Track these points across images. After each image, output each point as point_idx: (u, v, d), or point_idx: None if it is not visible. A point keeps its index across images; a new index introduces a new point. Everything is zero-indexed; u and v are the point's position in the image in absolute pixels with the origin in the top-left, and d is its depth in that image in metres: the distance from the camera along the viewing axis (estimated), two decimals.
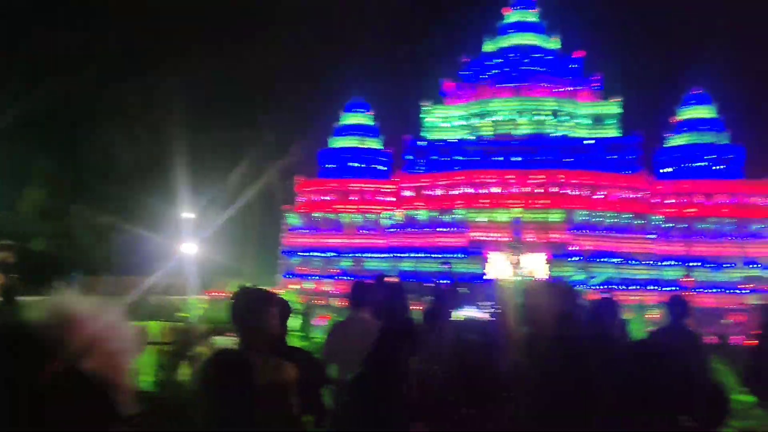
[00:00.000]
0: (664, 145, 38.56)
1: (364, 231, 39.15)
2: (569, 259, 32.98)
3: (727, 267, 33.95)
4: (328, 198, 41.02)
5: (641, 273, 33.52)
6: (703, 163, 36.65)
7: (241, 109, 58.83)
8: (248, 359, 2.63)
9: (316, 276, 36.49)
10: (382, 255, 37.58)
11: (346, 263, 37.22)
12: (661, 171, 37.87)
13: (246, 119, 57.76)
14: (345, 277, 34.86)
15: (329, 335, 5.33)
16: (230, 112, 56.27)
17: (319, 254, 39.12)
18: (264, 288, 3.45)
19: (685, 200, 36.05)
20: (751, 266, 33.92)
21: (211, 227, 39.66)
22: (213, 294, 30.18)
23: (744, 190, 35.53)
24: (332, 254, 38.60)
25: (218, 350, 3.18)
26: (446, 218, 36.12)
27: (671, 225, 35.14)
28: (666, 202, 36.18)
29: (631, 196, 35.51)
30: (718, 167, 36.29)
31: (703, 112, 37.86)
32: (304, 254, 39.58)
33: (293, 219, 41.27)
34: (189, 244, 38.31)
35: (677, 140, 38.07)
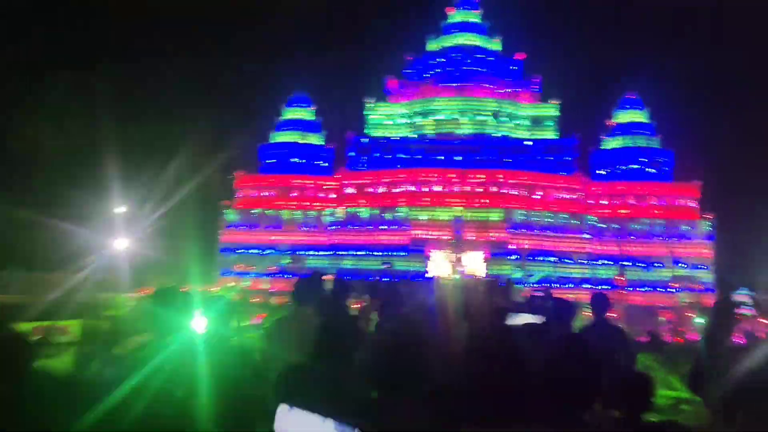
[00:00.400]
0: (599, 148, 39.65)
1: (305, 228, 38.61)
2: (508, 258, 33.46)
3: (656, 266, 35.24)
4: (268, 194, 40.24)
5: (576, 271, 34.38)
6: (635, 166, 37.90)
7: (179, 102, 57.16)
8: None
9: (253, 274, 35.69)
10: (323, 252, 37.16)
11: (285, 261, 36.59)
12: (597, 172, 38.94)
13: (185, 112, 56.19)
14: (283, 275, 34.31)
15: (270, 331, 5.00)
16: (168, 104, 54.59)
17: (257, 251, 38.31)
18: (181, 287, 3.36)
19: (618, 201, 37.21)
20: (678, 266, 35.31)
21: (146, 222, 38.21)
22: (144, 292, 29.01)
23: (673, 192, 36.96)
24: (271, 251, 37.88)
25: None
26: (388, 216, 36.02)
27: (605, 225, 36.19)
28: (600, 203, 37.21)
29: (567, 196, 36.36)
30: (649, 170, 37.60)
31: (637, 116, 39.17)
32: (243, 251, 38.68)
33: (232, 215, 40.28)
34: (121, 240, 36.70)
35: (612, 143, 39.24)
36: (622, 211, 36.79)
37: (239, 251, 38.89)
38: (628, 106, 39.56)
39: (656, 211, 36.45)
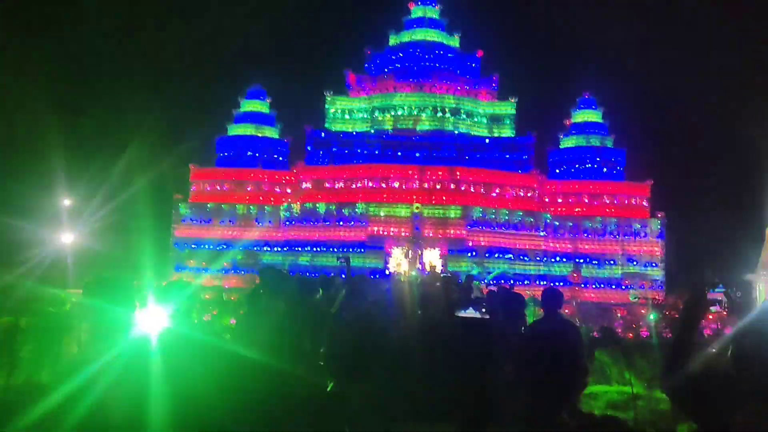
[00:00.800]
0: (556, 147, 40.15)
1: (260, 223, 37.92)
2: (466, 254, 33.55)
3: (609, 264, 35.88)
4: (223, 188, 39.37)
5: (532, 268, 34.74)
6: (590, 165, 38.50)
7: (132, 92, 55.43)
8: None
9: (207, 269, 34.84)
10: (279, 248, 36.58)
11: (239, 256, 35.85)
12: (554, 171, 39.43)
13: (138, 102, 54.53)
14: (237, 271, 33.65)
15: (240, 324, 5.49)
16: (120, 94, 52.84)
17: (211, 247, 37.43)
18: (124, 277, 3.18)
19: (572, 200, 37.73)
20: (630, 263, 36.04)
21: (94, 216, 37.04)
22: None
23: (626, 191, 37.70)
24: (225, 247, 37.06)
25: None
26: (346, 211, 35.65)
27: (560, 223, 36.66)
28: (556, 201, 37.69)
29: (523, 194, 36.68)
30: (603, 169, 38.25)
31: (592, 116, 39.80)
32: (196, 246, 37.75)
33: (185, 209, 39.25)
34: (67, 234, 35.41)
35: (568, 142, 39.80)
36: (577, 209, 37.31)
37: (193, 246, 37.94)
38: (583, 106, 40.17)
39: (609, 210, 37.08)
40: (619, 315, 22.05)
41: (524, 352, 4.70)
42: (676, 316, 23.74)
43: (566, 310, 20.87)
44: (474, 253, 33.73)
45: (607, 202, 37.36)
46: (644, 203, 37.54)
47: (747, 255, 38.69)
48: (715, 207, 40.93)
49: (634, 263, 36.07)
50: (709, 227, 40.44)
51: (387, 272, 30.63)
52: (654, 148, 45.22)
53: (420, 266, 30.85)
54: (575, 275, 30.56)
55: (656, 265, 36.01)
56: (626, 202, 37.45)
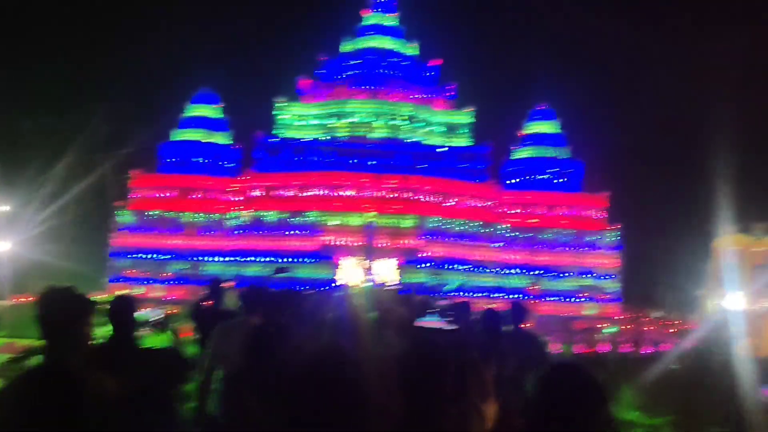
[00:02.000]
0: (511, 157, 39.71)
1: (207, 232, 36.12)
2: (421, 266, 32.51)
3: (564, 276, 35.43)
4: (167, 195, 37.44)
5: (489, 280, 33.94)
6: (545, 176, 38.14)
7: (71, 94, 52.75)
8: (74, 376, 2.08)
9: (147, 280, 32.79)
10: (226, 258, 34.82)
11: (181, 267, 33.91)
12: (507, 182, 38.93)
13: (77, 105, 51.93)
14: (180, 282, 31.76)
15: (215, 339, 5.19)
16: (59, 95, 50.14)
17: (151, 256, 35.41)
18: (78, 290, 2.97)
19: (528, 211, 37.26)
20: (586, 276, 35.68)
21: (30, 223, 34.82)
22: (19, 299, 25.78)
23: (582, 203, 37.45)
24: (167, 257, 35.06)
25: (31, 369, 2.28)
26: (297, 221, 34.22)
27: (516, 234, 36.07)
28: (511, 212, 37.13)
29: (479, 204, 35.98)
30: (559, 180, 37.95)
31: (547, 127, 39.57)
32: (136, 256, 35.64)
33: (126, 217, 37.12)
34: (2, 241, 33.45)
35: (523, 153, 39.43)
36: (532, 220, 36.83)
37: (133, 256, 35.83)
38: (539, 117, 39.92)
39: (565, 221, 36.72)
40: (578, 329, 21.38)
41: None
42: (637, 329, 23.31)
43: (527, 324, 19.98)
44: (429, 264, 32.71)
45: (564, 213, 37.01)
46: (601, 215, 37.33)
47: (699, 269, 38.92)
48: (670, 220, 41.25)
49: (590, 275, 35.73)
50: (665, 241, 40.63)
51: (336, 283, 29.28)
52: (611, 160, 45.39)
53: (372, 277, 29.60)
54: (535, 287, 29.83)
55: (612, 277, 35.74)
56: (583, 213, 37.18)
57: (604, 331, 21.75)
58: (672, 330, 23.83)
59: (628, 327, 22.83)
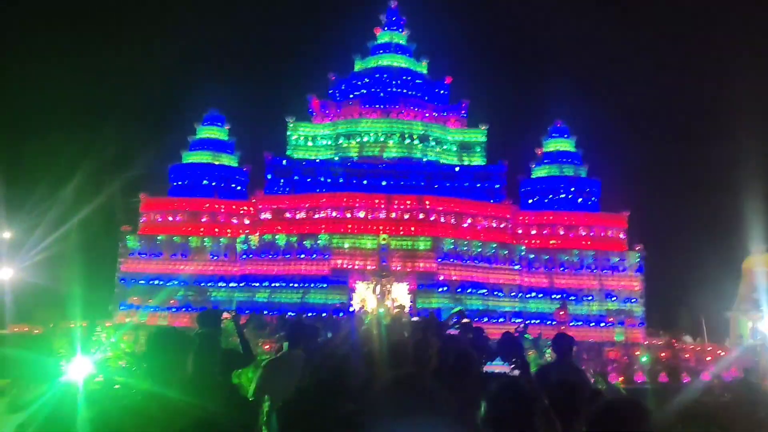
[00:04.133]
0: (528, 176, 38.62)
1: (215, 257, 35.16)
2: (437, 290, 31.24)
3: (587, 299, 34.01)
4: (175, 219, 36.62)
5: (507, 305, 32.59)
6: (564, 195, 36.96)
7: (79, 116, 52.45)
8: None
9: (152, 307, 31.78)
10: (234, 284, 33.79)
11: (186, 293, 32.90)
12: (525, 201, 37.79)
13: (85, 127, 51.59)
14: (186, 309, 30.73)
15: (265, 371, 5.68)
16: (66, 118, 49.79)
17: (161, 282, 34.47)
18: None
19: (546, 231, 36.02)
20: (608, 299, 34.24)
21: (35, 249, 34.21)
22: (19, 328, 24.86)
23: (601, 222, 36.17)
24: (176, 282, 34.09)
25: None
26: (308, 244, 33.15)
27: (534, 256, 34.78)
28: (530, 233, 35.90)
29: (496, 225, 34.76)
30: (578, 200, 36.73)
31: (564, 145, 38.49)
32: (144, 282, 34.74)
33: (133, 242, 36.30)
34: (5, 268, 32.98)
35: (540, 171, 38.33)
36: (552, 241, 35.53)
37: (141, 282, 34.96)
38: (556, 134, 38.87)
39: (586, 242, 35.40)
40: (610, 356, 20.04)
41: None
42: (670, 357, 21.90)
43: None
44: (445, 288, 31.43)
45: (583, 234, 35.70)
46: (621, 235, 35.98)
47: (725, 290, 37.37)
48: (694, 240, 39.77)
49: (613, 299, 34.25)
50: (688, 262, 39.12)
51: (351, 309, 28.14)
52: (629, 178, 44.11)
53: (388, 302, 28.38)
54: (562, 313, 28.39)
55: (636, 301, 34.23)
56: (602, 234, 35.85)
57: (640, 359, 20.36)
58: (709, 357, 22.36)
59: (663, 355, 21.39)
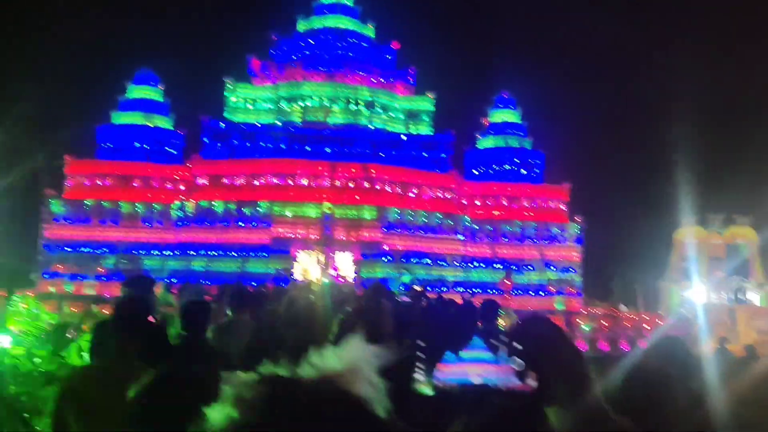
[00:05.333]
0: (474, 146, 38.40)
1: (148, 223, 33.52)
2: (381, 259, 30.77)
3: (527, 269, 34.37)
4: (104, 183, 34.65)
5: (450, 274, 32.51)
6: (508, 167, 37.00)
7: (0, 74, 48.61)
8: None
9: (79, 276, 30.01)
10: (169, 252, 32.31)
11: (114, 261, 31.26)
12: (471, 172, 37.62)
13: (7, 85, 47.85)
14: (116, 278, 29.11)
15: (213, 338, 5.35)
16: None
17: (89, 249, 32.61)
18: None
19: (490, 202, 36.08)
20: (548, 269, 34.73)
21: None
22: None
23: (544, 194, 36.49)
24: (106, 250, 32.31)
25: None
26: (247, 211, 31.98)
27: (478, 227, 34.79)
28: (474, 203, 35.86)
29: (442, 195, 34.49)
30: (522, 171, 36.85)
31: (510, 116, 38.41)
32: (72, 249, 32.78)
33: (58, 207, 34.17)
34: None
35: (486, 142, 38.17)
36: (495, 212, 35.59)
37: (67, 249, 32.96)
38: (501, 105, 38.72)
39: (528, 213, 35.64)
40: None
41: None
42: (614, 326, 22.32)
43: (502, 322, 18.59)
44: (390, 258, 30.99)
45: (526, 205, 35.92)
46: (562, 207, 36.42)
47: (658, 261, 38.56)
48: (630, 213, 40.78)
49: (552, 268, 34.78)
50: (623, 233, 40.12)
51: (293, 278, 27.35)
52: (571, 152, 44.64)
53: (331, 272, 27.71)
54: (507, 282, 28.47)
55: (574, 271, 34.89)
56: (544, 205, 36.19)
57: (581, 327, 20.62)
58: (647, 326, 22.92)
59: (605, 323, 21.74)
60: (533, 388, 2.19)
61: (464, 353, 2.35)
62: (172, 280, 24.25)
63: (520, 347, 2.23)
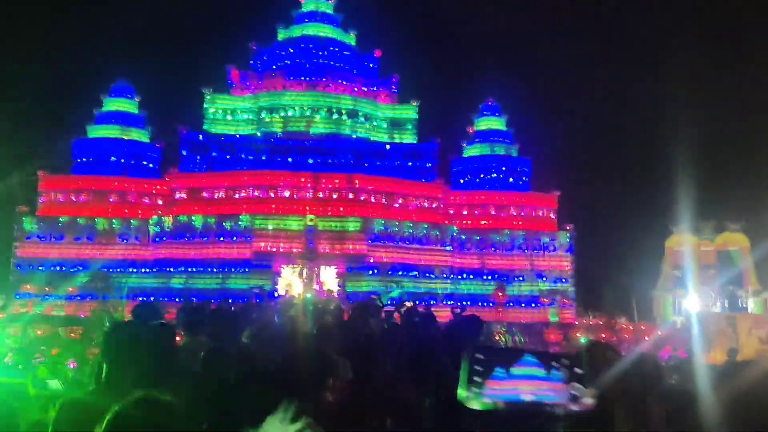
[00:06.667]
0: (460, 155, 37.65)
1: (125, 240, 32.38)
2: (366, 272, 29.75)
3: (517, 280, 33.49)
4: (79, 199, 33.57)
5: (439, 286, 31.54)
6: (495, 175, 36.24)
7: None
8: None
9: (52, 296, 28.73)
10: (147, 269, 31.13)
11: (85, 279, 30.05)
12: (456, 181, 36.82)
13: None
14: (91, 298, 27.88)
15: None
16: None
17: (64, 268, 31.39)
18: None
19: (478, 212, 35.25)
20: (539, 279, 33.87)
21: None
22: None
23: (532, 202, 35.75)
24: (81, 268, 31.07)
25: None
26: (227, 225, 30.91)
27: (466, 237, 33.92)
28: (461, 213, 35.02)
29: (428, 205, 33.60)
30: (509, 179, 36.11)
31: (496, 123, 37.74)
32: (45, 268, 31.53)
33: (31, 224, 32.96)
34: None
35: (472, 150, 37.43)
36: (483, 221, 34.76)
37: (40, 268, 31.72)
38: (487, 113, 38.06)
39: (517, 222, 34.84)
40: (550, 338, 19.25)
41: None
42: (614, 337, 21.39)
43: (498, 338, 17.61)
44: (376, 271, 29.98)
45: (514, 214, 35.12)
46: (552, 215, 35.65)
47: (650, 269, 37.83)
48: (620, 221, 40.10)
49: (543, 279, 33.90)
50: (613, 242, 39.39)
51: (276, 294, 26.24)
52: (559, 158, 44.01)
53: (316, 287, 26.65)
54: (500, 294, 27.51)
55: (566, 281, 34.02)
56: (533, 214, 35.42)
57: (580, 341, 19.69)
58: (646, 337, 22.07)
59: (604, 335, 20.83)
60: (590, 407, 2.07)
61: (516, 369, 2.13)
62: (143, 298, 23.14)
63: (581, 372, 2.07)
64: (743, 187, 38.26)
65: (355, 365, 3.63)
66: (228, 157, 33.94)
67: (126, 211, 33.27)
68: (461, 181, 36.80)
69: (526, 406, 2.03)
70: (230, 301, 19.12)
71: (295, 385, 3.06)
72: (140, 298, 23.45)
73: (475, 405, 1.99)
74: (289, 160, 33.43)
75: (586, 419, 2.08)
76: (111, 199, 33.63)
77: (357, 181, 31.87)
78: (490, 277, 32.95)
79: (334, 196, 31.55)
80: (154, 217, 32.08)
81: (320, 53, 36.52)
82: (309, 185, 31.76)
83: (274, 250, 30.22)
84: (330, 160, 33.41)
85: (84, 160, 35.33)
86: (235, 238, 30.68)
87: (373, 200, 31.87)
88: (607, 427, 2.43)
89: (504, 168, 36.29)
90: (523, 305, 32.28)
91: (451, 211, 34.62)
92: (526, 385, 2.04)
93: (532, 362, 2.09)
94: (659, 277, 37.23)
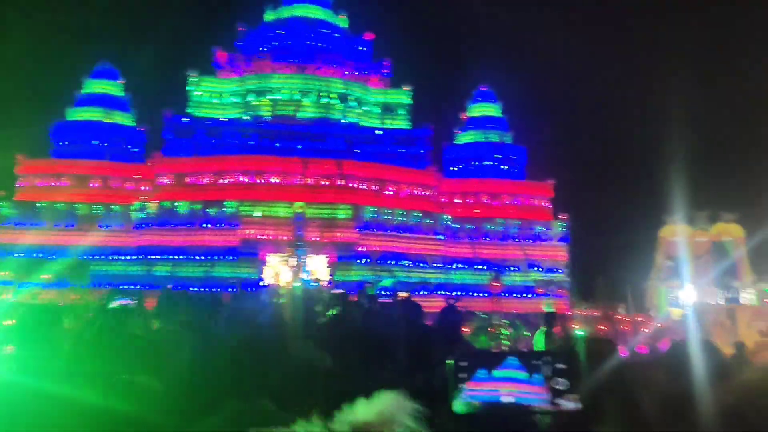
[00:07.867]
0: (453, 142, 36.84)
1: (107, 226, 31.37)
2: (357, 261, 28.93)
3: (511, 270, 32.81)
4: (60, 184, 32.48)
5: (432, 276, 30.78)
6: (489, 162, 35.51)
7: None
8: None
9: (28, 284, 27.67)
10: (129, 256, 30.14)
11: (62, 266, 29.05)
12: (450, 168, 36.02)
13: None
14: (67, 286, 26.85)
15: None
16: None
17: (42, 255, 30.32)
18: None
19: (471, 200, 34.49)
20: (532, 269, 33.22)
21: None
22: None
23: (527, 191, 35.07)
24: (59, 255, 30.00)
25: None
26: (213, 212, 29.97)
27: (459, 225, 33.18)
28: (454, 201, 34.24)
29: (420, 193, 32.79)
30: (503, 167, 35.38)
31: (490, 110, 36.98)
32: (23, 255, 30.43)
33: (8, 209, 31.92)
34: None
35: (465, 137, 36.65)
36: (476, 210, 34.03)
37: (18, 255, 30.62)
38: (481, 99, 37.27)
39: (510, 211, 34.17)
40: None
41: None
42: (614, 329, 20.78)
43: (497, 330, 16.92)
44: (367, 260, 29.17)
45: (508, 202, 34.40)
46: (546, 204, 34.97)
47: (644, 260, 37.35)
48: (614, 211, 39.57)
49: (537, 269, 33.25)
50: (607, 231, 38.83)
51: (262, 283, 25.46)
52: (554, 146, 43.33)
53: (304, 276, 25.82)
54: (495, 284, 26.84)
55: (560, 271, 33.40)
56: (528, 203, 34.72)
57: (575, 332, 19.00)
58: (645, 329, 21.46)
59: (603, 327, 20.20)
60: (576, 408, 2.12)
61: (497, 371, 2.16)
62: (124, 287, 22.19)
63: (564, 366, 2.15)
64: (738, 177, 37.75)
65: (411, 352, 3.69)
66: (214, 141, 32.95)
67: (108, 196, 32.20)
68: (454, 168, 36.03)
69: (505, 407, 2.12)
70: (217, 290, 18.34)
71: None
72: (122, 287, 22.49)
73: (456, 407, 2.06)
74: (277, 145, 32.48)
75: (576, 417, 2.14)
76: (92, 184, 32.59)
77: (347, 168, 30.99)
78: (483, 267, 32.23)
79: (324, 183, 30.66)
80: (137, 202, 31.09)
81: (310, 35, 35.50)
82: (297, 171, 30.86)
83: (261, 237, 29.34)
84: (319, 146, 32.51)
85: (64, 143, 34.23)
86: (221, 225, 29.77)
87: (363, 187, 31.02)
88: (597, 424, 2.41)
89: (498, 155, 35.55)
90: (515, 295, 31.59)
91: (444, 200, 33.84)
92: (507, 387, 2.15)
93: (514, 365, 2.17)
94: (652, 267, 36.76)
